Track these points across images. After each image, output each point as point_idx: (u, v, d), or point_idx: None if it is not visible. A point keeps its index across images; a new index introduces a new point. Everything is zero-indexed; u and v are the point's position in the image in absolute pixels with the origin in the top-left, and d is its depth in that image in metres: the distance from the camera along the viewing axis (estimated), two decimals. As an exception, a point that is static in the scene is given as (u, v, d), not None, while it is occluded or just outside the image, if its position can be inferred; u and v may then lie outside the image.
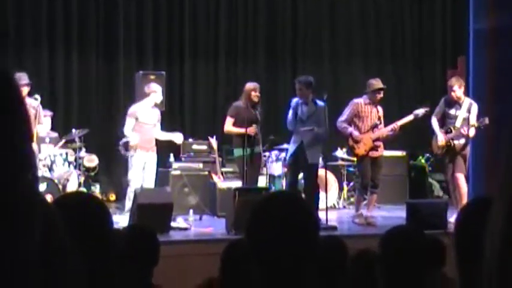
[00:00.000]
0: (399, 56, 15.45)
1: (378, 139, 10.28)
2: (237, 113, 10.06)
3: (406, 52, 15.52)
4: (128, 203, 9.81)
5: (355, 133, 10.10)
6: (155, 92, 10.18)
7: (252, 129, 9.93)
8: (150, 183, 10.13)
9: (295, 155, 9.78)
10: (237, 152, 10.12)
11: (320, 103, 9.81)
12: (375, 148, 10.26)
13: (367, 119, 10.19)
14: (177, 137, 10.52)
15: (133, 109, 10.19)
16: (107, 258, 2.00)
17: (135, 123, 10.08)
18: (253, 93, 10.08)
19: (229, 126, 10.12)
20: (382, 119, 10.38)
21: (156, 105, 10.29)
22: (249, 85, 10.29)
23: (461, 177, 10.11)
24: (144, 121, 10.12)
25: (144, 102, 10.21)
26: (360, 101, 10.22)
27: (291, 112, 9.83)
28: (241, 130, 9.94)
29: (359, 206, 10.48)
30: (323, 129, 9.72)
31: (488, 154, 10.20)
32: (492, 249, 1.04)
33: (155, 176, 10.42)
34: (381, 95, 10.25)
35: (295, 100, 9.87)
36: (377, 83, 10.27)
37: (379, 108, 10.37)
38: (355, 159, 10.81)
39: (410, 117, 10.41)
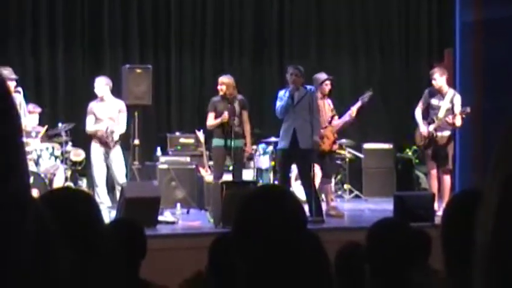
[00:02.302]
0: (386, 49, 15.46)
1: (337, 131, 10.53)
2: (215, 108, 10.08)
3: (392, 45, 15.53)
4: (97, 198, 9.94)
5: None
6: (94, 87, 10.46)
7: (224, 116, 9.91)
8: (121, 178, 10.18)
9: (287, 146, 9.71)
10: (215, 141, 10.10)
11: (310, 87, 9.82)
12: (334, 141, 10.47)
13: (323, 114, 10.32)
14: (114, 134, 10.52)
15: (90, 106, 10.48)
16: (96, 253, 1.99)
17: (95, 120, 10.34)
18: (218, 86, 10.12)
19: (210, 120, 10.11)
20: (334, 110, 10.63)
21: (140, 98, 10.37)
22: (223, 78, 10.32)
23: (444, 172, 10.16)
24: (100, 116, 10.34)
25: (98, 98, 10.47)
26: None
27: (279, 101, 9.79)
28: (218, 120, 9.97)
29: (329, 198, 10.56)
30: (316, 118, 9.74)
31: (475, 147, 10.24)
32: (485, 230, 1.05)
33: (142, 170, 10.44)
34: (329, 86, 10.44)
35: (283, 91, 9.86)
36: (322, 75, 10.40)
37: (329, 100, 10.61)
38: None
39: (358, 104, 10.65)
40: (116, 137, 10.38)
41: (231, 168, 10.16)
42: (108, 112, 10.36)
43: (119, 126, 10.40)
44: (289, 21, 15.00)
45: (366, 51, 15.34)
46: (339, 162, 13.18)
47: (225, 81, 10.06)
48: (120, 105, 10.48)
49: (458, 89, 10.36)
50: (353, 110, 10.57)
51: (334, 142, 10.49)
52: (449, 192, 9.98)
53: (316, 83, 10.31)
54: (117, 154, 10.32)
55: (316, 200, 9.53)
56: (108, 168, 10.32)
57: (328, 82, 10.50)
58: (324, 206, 10.19)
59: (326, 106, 10.39)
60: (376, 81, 15.02)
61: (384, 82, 15.16)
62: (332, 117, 10.52)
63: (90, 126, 10.38)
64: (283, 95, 9.80)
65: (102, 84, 10.44)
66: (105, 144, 10.26)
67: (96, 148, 10.33)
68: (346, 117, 10.58)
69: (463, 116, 9.91)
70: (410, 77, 15.36)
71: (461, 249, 2.18)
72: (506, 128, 1.07)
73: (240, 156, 10.02)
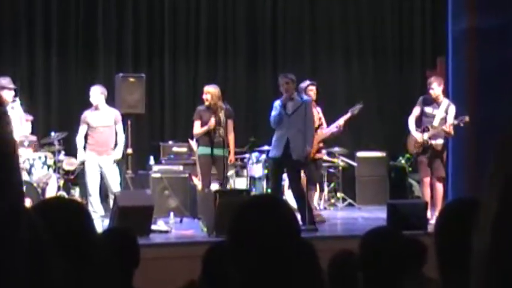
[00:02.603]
0: (379, 57, 15.49)
1: (322, 140, 10.50)
2: (200, 116, 10.16)
3: (386, 52, 15.55)
4: (90, 207, 10.01)
5: None
6: (90, 95, 10.42)
7: (211, 124, 9.96)
8: (115, 187, 10.17)
9: (279, 155, 9.71)
10: (200, 150, 10.20)
11: (306, 98, 9.83)
12: (319, 150, 10.42)
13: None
14: (116, 151, 10.51)
15: (84, 115, 10.46)
16: (88, 263, 1.99)
17: (88, 129, 10.34)
18: (204, 96, 10.17)
19: (196, 129, 10.21)
20: (323, 119, 10.64)
21: (133, 107, 10.37)
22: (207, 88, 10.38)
23: (438, 180, 10.18)
24: (93, 125, 10.32)
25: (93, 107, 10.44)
26: None
27: (274, 111, 9.79)
28: (204, 128, 10.05)
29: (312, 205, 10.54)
30: (310, 128, 9.75)
31: (468, 155, 10.25)
32: (483, 237, 1.04)
33: (135, 179, 10.42)
34: (314, 91, 10.44)
35: (278, 101, 9.86)
36: (304, 83, 10.43)
37: (318, 109, 10.63)
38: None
39: (348, 115, 10.72)
40: (119, 154, 10.42)
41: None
42: (102, 121, 10.35)
43: (119, 138, 10.40)
44: (283, 28, 15.02)
45: (359, 59, 15.36)
46: (332, 170, 13.19)
47: (210, 91, 10.14)
48: (115, 114, 10.47)
49: (451, 97, 10.38)
50: (341, 122, 10.62)
51: (318, 151, 10.52)
52: (442, 200, 9.99)
53: (301, 91, 10.29)
54: (111, 163, 10.31)
55: (308, 208, 9.53)
56: (102, 177, 10.30)
57: (312, 87, 10.50)
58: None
59: (315, 114, 10.39)
60: (369, 89, 15.05)
61: (377, 90, 15.19)
62: (319, 126, 10.55)
63: (81, 137, 10.41)
64: (278, 105, 9.80)
65: (97, 93, 10.42)
66: (101, 153, 10.25)
67: (90, 157, 10.31)
68: (334, 129, 10.64)
69: (461, 125, 9.93)
70: (403, 86, 15.39)
71: (455, 258, 2.18)
72: (503, 135, 1.07)
73: (221, 165, 10.07)
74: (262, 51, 14.86)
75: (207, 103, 10.12)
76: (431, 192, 10.26)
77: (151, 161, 12.03)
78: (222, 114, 10.06)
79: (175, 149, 12.46)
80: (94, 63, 13.67)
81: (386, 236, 3.24)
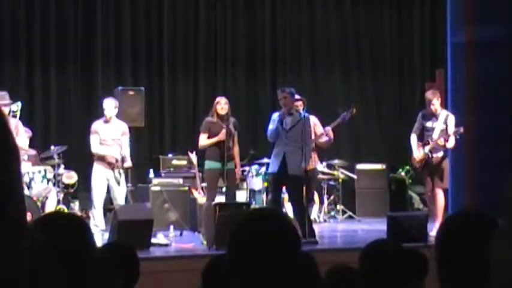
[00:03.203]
0: (378, 69, 15.51)
1: (314, 150, 10.45)
2: (209, 128, 9.95)
3: (385, 65, 15.57)
4: (92, 220, 10.00)
5: None
6: (104, 108, 10.29)
7: (223, 134, 9.84)
8: (120, 200, 10.13)
9: (277, 170, 9.70)
10: (208, 164, 9.96)
11: (305, 113, 9.79)
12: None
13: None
14: (125, 162, 10.48)
15: (94, 126, 10.31)
16: (88, 278, 1.98)
17: (99, 139, 10.22)
18: (218, 106, 9.98)
19: (203, 141, 9.97)
20: (319, 127, 10.56)
21: (133, 120, 10.35)
22: (216, 99, 10.25)
23: (439, 192, 10.18)
24: (103, 137, 10.21)
25: (103, 118, 10.34)
26: None
27: (272, 124, 9.75)
28: (215, 139, 9.86)
29: None
30: (307, 144, 9.73)
31: (467, 165, 10.26)
32: (505, 260, 1.04)
33: (135, 192, 10.41)
34: (302, 106, 10.31)
35: (276, 114, 9.83)
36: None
37: (314, 119, 10.62)
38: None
39: (338, 120, 10.58)
40: (129, 162, 10.39)
41: (224, 190, 10.07)
42: (112, 134, 10.24)
43: (124, 150, 10.34)
44: (282, 41, 15.04)
45: (358, 71, 15.38)
46: (332, 183, 13.18)
47: (227, 102, 10.03)
48: (124, 127, 10.40)
49: (450, 109, 10.40)
50: (329, 128, 10.57)
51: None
52: (443, 213, 9.98)
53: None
54: (120, 176, 10.22)
55: (308, 221, 9.51)
56: (109, 190, 10.21)
57: (300, 102, 10.40)
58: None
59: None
60: (369, 101, 15.06)
61: (376, 103, 15.20)
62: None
63: (96, 147, 10.20)
64: (276, 118, 9.75)
65: (112, 106, 10.31)
66: (111, 166, 10.15)
67: (98, 170, 10.21)
68: (323, 137, 10.58)
69: (457, 136, 9.95)
70: (403, 98, 15.41)
71: (456, 270, 2.18)
72: None
73: (232, 179, 9.95)
74: (262, 63, 14.87)
75: (224, 112, 9.97)
76: (432, 205, 10.28)
77: (151, 174, 12.02)
78: (231, 127, 10.00)
79: (175, 162, 12.45)
80: (93, 77, 13.67)
81: (386, 248, 3.24)
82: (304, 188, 10.05)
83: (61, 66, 13.49)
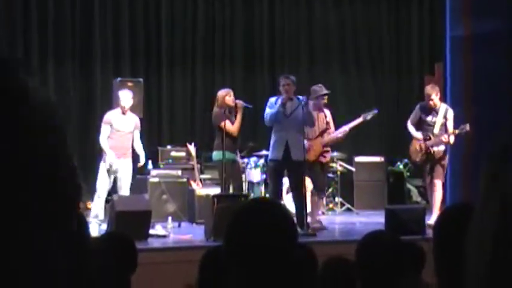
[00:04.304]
0: (377, 63, 15.51)
1: (327, 144, 10.39)
2: (227, 117, 10.04)
3: (383, 59, 15.58)
4: (94, 210, 9.99)
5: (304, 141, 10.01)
6: (120, 99, 10.24)
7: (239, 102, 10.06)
8: (125, 190, 10.12)
9: (281, 157, 9.65)
10: (228, 155, 9.97)
11: (302, 98, 9.78)
12: (323, 154, 10.33)
13: (315, 125, 10.21)
14: (141, 159, 10.49)
15: (108, 116, 10.22)
16: (84, 268, 1.99)
17: (110, 130, 10.12)
18: (227, 98, 10.08)
19: (233, 127, 10.08)
20: (331, 123, 10.49)
21: (132, 111, 10.31)
22: (222, 92, 10.29)
23: (438, 184, 10.20)
24: (117, 128, 10.14)
25: (118, 109, 10.27)
26: None
27: (270, 108, 9.75)
28: (238, 119, 10.09)
29: (315, 212, 10.39)
30: (309, 124, 9.78)
31: (466, 160, 10.26)
32: (482, 251, 1.04)
33: (133, 183, 10.39)
34: (325, 100, 10.34)
35: (274, 98, 9.85)
36: (320, 89, 10.38)
37: (327, 112, 10.49)
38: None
39: (359, 120, 10.60)
40: (143, 159, 10.49)
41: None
42: (125, 126, 10.18)
43: (136, 143, 10.32)
44: (280, 37, 15.04)
45: (357, 65, 15.37)
46: (330, 175, 13.18)
47: (232, 93, 10.23)
48: (136, 120, 10.37)
49: (449, 103, 10.41)
50: (347, 128, 10.51)
51: (322, 154, 10.35)
52: (440, 205, 10.01)
53: (313, 94, 10.25)
54: (128, 166, 10.21)
55: (307, 213, 9.51)
56: (115, 180, 10.18)
57: (325, 97, 10.42)
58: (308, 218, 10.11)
59: (321, 118, 10.31)
60: (367, 94, 15.06)
61: (375, 96, 15.19)
62: (325, 130, 10.41)
63: (104, 139, 10.12)
64: (274, 102, 9.77)
65: (129, 97, 10.26)
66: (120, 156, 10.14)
67: (108, 159, 10.07)
68: (339, 134, 10.50)
69: (463, 134, 9.94)
70: (401, 91, 15.41)
71: (453, 263, 2.18)
72: (498, 146, 1.07)
73: (238, 170, 10.13)
74: (260, 59, 14.87)
75: (232, 104, 10.06)
76: (431, 197, 10.30)
77: (150, 165, 12.01)
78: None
79: (173, 153, 12.45)
80: (91, 70, 13.65)
81: (384, 240, 3.24)
82: (313, 180, 10.13)
83: (59, 58, 13.45)
